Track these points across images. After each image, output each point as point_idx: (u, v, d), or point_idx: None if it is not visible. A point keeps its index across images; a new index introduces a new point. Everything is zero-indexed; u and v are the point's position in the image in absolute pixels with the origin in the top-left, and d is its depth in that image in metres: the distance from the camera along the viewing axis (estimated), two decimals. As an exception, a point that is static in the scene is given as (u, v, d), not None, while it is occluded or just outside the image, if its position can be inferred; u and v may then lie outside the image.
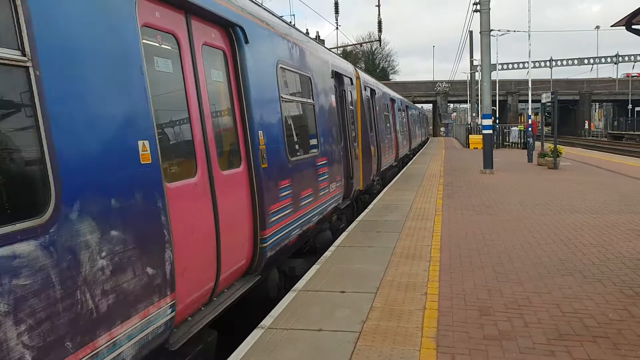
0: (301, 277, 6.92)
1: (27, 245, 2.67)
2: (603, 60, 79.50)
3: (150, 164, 3.80)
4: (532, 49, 36.81)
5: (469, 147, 36.44)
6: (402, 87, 67.40)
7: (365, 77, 15.13)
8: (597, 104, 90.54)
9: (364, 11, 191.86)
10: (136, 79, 3.78)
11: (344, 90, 11.42)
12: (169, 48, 4.52)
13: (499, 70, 49.88)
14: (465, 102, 71.97)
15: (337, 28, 33.27)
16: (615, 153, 34.62)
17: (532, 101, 37.74)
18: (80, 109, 3.19)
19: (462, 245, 8.24)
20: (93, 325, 3.12)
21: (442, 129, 75.47)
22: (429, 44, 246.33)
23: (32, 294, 2.68)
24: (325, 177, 8.84)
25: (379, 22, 35.95)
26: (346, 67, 12.31)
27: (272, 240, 6.15)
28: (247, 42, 5.73)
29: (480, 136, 23.02)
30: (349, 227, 9.90)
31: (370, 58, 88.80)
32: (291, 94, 7.58)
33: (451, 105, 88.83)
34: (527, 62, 37.14)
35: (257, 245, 5.85)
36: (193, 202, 4.53)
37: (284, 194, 6.61)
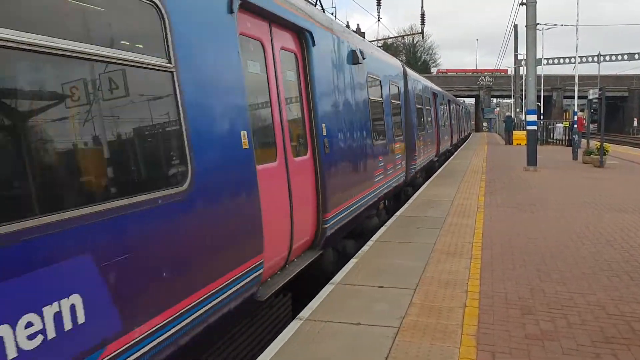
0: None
1: None
2: (655, 55, 76.42)
3: None
4: (579, 43, 35.76)
5: (512, 143, 35.73)
6: (443, 80, 66.41)
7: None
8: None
9: (412, 3, 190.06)
10: None
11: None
12: None
13: (544, 65, 48.47)
14: (508, 97, 70.41)
15: (378, 20, 33.11)
16: (665, 152, 33.37)
17: (578, 97, 36.68)
18: None
19: (504, 243, 8.10)
20: None
21: (485, 124, 74.19)
22: (474, 37, 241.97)
23: None
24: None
25: (422, 15, 35.73)
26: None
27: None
28: None
29: (524, 132, 23.47)
30: (388, 222, 9.84)
31: (411, 51, 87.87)
32: None
33: (494, 100, 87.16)
34: (574, 57, 36.04)
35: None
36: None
37: None
